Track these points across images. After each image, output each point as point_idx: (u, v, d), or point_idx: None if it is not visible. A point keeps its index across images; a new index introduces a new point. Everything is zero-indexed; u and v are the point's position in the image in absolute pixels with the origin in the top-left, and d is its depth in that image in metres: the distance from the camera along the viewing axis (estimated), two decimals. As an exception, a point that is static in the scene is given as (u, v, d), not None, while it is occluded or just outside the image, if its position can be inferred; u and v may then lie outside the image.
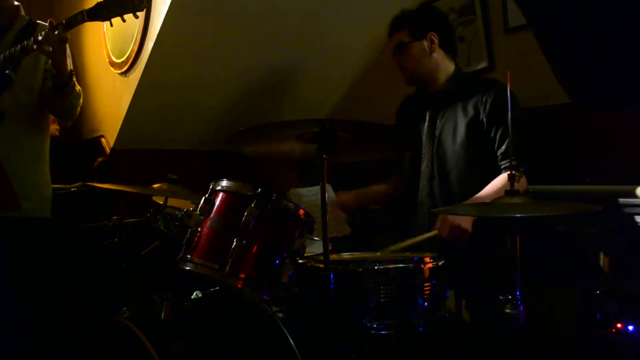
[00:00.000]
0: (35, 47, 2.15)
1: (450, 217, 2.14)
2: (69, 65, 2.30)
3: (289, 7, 3.24)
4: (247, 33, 3.27)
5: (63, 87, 2.31)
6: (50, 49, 2.15)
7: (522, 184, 2.18)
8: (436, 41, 2.43)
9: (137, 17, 2.11)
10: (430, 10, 2.65)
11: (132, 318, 1.94)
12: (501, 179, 2.24)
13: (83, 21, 2.14)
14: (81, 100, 2.46)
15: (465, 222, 2.13)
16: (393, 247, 2.16)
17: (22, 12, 2.46)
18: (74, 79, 2.35)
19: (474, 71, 3.13)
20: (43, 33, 2.16)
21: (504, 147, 2.28)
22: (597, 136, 2.69)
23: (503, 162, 2.29)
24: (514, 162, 2.18)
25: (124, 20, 2.11)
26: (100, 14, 2.12)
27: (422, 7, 2.96)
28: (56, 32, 2.14)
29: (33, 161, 2.41)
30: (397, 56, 2.49)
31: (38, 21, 2.43)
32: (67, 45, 2.46)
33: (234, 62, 3.40)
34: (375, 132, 1.92)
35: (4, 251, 2.28)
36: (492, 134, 2.31)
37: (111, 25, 2.14)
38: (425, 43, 2.43)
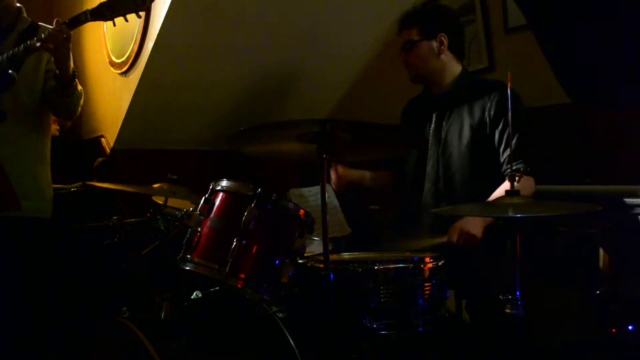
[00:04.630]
0: (39, 44, 2.15)
1: (460, 224, 2.13)
2: (72, 65, 2.30)
3: (289, 7, 3.24)
4: (247, 33, 3.27)
5: (66, 87, 2.31)
6: (53, 47, 2.15)
7: (530, 186, 2.17)
8: (445, 42, 2.40)
9: (139, 16, 2.11)
10: (442, 10, 2.61)
11: (132, 318, 1.94)
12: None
13: (86, 21, 2.14)
14: (82, 100, 2.46)
15: (475, 228, 2.11)
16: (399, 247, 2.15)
17: (25, 14, 2.46)
18: (76, 79, 2.35)
19: (474, 71, 3.13)
20: (47, 31, 2.16)
21: (509, 150, 2.23)
22: (597, 136, 2.69)
23: (510, 165, 2.26)
24: (519, 165, 2.19)
25: (126, 20, 2.11)
26: (104, 13, 2.12)
27: (434, 7, 2.90)
28: (59, 29, 2.14)
29: (34, 161, 2.41)
30: (404, 53, 2.46)
31: (40, 23, 2.43)
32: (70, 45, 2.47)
33: (234, 62, 3.39)
34: (375, 132, 1.92)
35: (4, 251, 2.28)
36: (495, 133, 2.30)
37: (114, 25, 2.14)
38: (435, 43, 2.40)
